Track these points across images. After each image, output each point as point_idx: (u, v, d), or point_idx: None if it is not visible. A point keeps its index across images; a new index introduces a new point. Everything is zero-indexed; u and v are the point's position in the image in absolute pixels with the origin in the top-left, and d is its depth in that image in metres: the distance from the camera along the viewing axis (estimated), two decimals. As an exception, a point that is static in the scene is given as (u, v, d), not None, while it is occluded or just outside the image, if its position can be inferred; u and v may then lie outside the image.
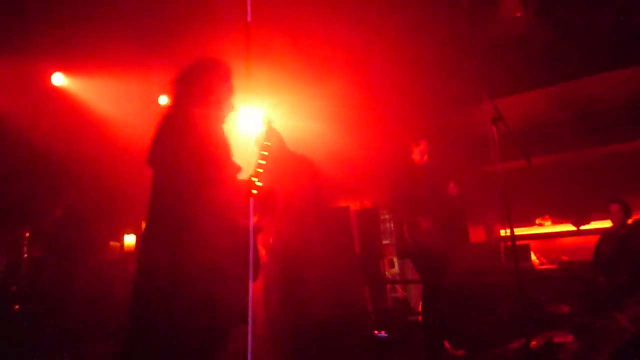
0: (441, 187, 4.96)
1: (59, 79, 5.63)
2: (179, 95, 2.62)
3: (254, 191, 2.55)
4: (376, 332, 5.95)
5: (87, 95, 5.77)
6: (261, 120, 3.35)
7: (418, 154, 5.03)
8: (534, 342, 4.70)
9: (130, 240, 5.32)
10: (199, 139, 2.46)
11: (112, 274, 5.23)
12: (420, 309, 6.82)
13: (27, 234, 4.89)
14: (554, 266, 6.61)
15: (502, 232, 6.82)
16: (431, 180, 4.99)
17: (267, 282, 4.51)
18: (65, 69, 5.65)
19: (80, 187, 5.49)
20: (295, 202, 4.06)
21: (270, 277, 4.45)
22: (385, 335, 5.89)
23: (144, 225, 5.44)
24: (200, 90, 2.59)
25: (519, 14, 5.35)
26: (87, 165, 5.39)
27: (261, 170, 2.64)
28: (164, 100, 6.56)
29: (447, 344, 4.88)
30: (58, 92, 5.64)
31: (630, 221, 5.81)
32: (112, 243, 5.24)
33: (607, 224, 6.24)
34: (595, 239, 6.05)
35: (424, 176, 4.98)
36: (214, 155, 2.47)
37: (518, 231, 6.99)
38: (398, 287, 8.04)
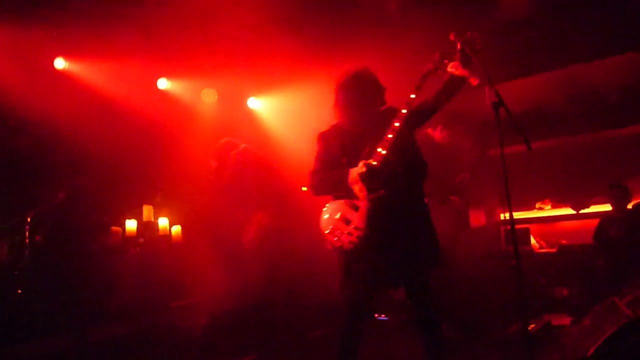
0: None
1: (60, 63, 5.61)
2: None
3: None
4: (376, 315, 5.99)
5: (89, 79, 5.75)
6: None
7: (447, 136, 4.95)
8: (532, 325, 4.75)
9: (131, 225, 5.30)
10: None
11: (113, 258, 5.24)
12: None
13: (29, 219, 4.89)
14: (554, 250, 6.65)
15: (502, 216, 6.85)
16: (454, 163, 4.95)
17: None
18: (67, 53, 5.62)
19: (82, 172, 5.48)
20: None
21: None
22: (385, 318, 5.93)
23: (145, 211, 5.48)
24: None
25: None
26: (88, 150, 5.39)
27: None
28: (163, 84, 6.53)
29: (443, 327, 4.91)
30: (61, 76, 5.62)
31: (629, 205, 5.83)
32: (113, 228, 5.22)
33: (606, 207, 6.27)
34: (594, 222, 6.07)
35: (448, 158, 4.92)
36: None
37: (518, 215, 7.01)
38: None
